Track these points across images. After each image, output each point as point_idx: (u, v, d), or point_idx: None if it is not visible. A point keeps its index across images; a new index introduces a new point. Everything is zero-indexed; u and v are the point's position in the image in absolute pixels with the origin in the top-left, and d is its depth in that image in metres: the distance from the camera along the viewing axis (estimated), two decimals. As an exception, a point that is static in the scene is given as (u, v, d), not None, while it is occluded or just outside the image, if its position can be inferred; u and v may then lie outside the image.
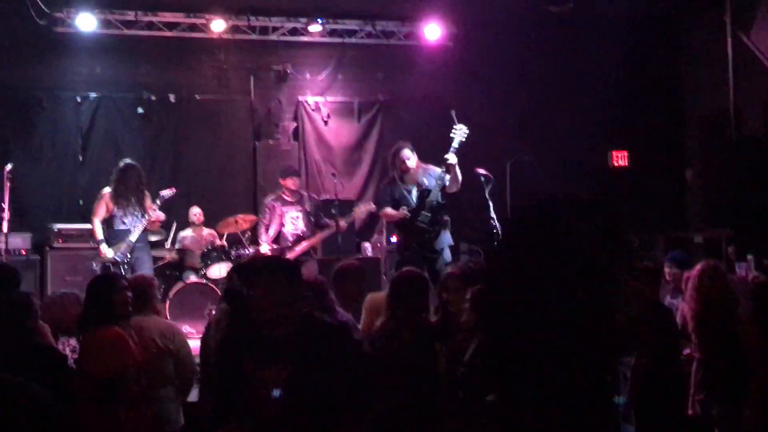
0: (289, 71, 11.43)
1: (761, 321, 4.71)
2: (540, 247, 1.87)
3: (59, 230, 9.64)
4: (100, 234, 8.30)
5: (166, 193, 8.65)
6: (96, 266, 8.28)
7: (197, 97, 11.08)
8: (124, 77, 10.85)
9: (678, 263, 6.28)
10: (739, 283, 7.60)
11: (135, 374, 4.40)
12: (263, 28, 11.05)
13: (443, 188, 7.63)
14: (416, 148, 7.90)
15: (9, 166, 8.63)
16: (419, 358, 4.62)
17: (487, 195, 8.29)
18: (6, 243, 8.66)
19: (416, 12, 11.12)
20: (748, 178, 9.87)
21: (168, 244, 9.69)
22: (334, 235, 8.74)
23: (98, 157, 10.56)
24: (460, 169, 7.66)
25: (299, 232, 8.85)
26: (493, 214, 8.28)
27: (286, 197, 8.95)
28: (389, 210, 7.79)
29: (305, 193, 9.25)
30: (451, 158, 7.52)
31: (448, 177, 7.61)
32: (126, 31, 10.55)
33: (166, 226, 9.39)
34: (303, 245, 8.77)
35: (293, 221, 8.91)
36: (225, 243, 9.74)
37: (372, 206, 8.56)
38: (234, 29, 10.93)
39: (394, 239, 9.40)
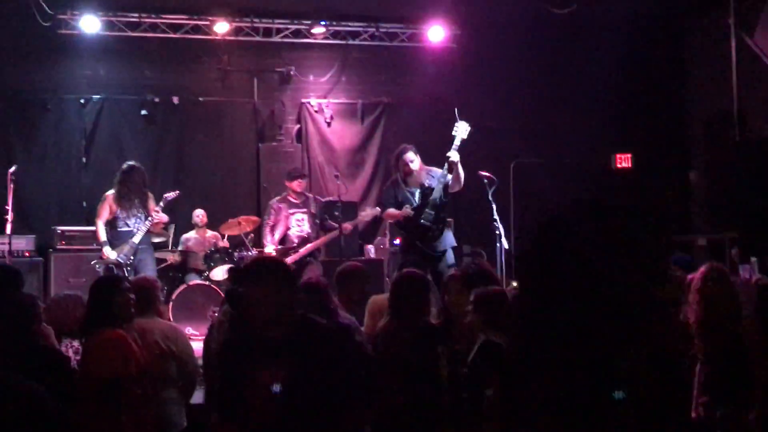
0: (292, 73, 11.44)
1: (765, 323, 4.70)
2: (576, 252, 1.88)
3: (63, 232, 9.67)
4: (103, 236, 8.30)
5: (170, 195, 8.66)
6: (99, 268, 8.28)
7: (201, 98, 11.09)
8: (128, 79, 10.86)
9: (681, 266, 6.26)
10: (743, 285, 7.56)
11: (137, 376, 4.40)
12: (267, 30, 11.05)
13: (446, 187, 7.61)
14: (420, 150, 7.89)
15: (13, 168, 8.64)
16: (420, 359, 4.62)
17: (490, 197, 8.29)
18: (10, 245, 8.66)
19: (420, 14, 11.12)
20: (752, 180, 9.86)
21: (169, 246, 9.71)
22: (338, 238, 8.73)
23: (102, 159, 10.58)
24: (464, 170, 7.64)
25: (304, 234, 8.85)
26: (496, 216, 8.28)
27: (292, 199, 8.95)
28: (392, 210, 7.79)
29: (311, 196, 9.25)
30: (453, 155, 7.50)
31: (450, 176, 7.60)
32: (130, 33, 10.57)
33: (168, 228, 9.40)
34: (307, 247, 8.77)
35: (298, 223, 8.90)
36: (228, 245, 9.74)
37: (378, 211, 8.56)
38: (237, 31, 10.94)
39: (397, 241, 9.40)
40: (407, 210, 7.61)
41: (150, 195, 8.54)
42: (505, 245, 8.45)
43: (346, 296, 5.34)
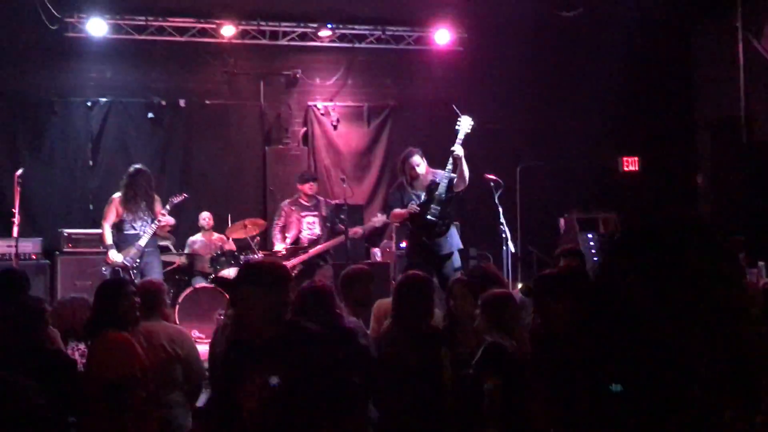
0: (299, 76, 11.45)
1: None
2: (658, 264, 1.91)
3: (69, 235, 9.69)
4: (109, 239, 8.31)
5: (176, 198, 8.67)
6: (106, 271, 8.29)
7: (207, 102, 11.11)
8: (135, 82, 10.88)
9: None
10: (750, 289, 7.54)
11: (142, 379, 4.40)
12: (273, 33, 11.06)
13: (450, 183, 7.58)
14: (426, 153, 7.87)
15: (20, 171, 8.65)
16: (422, 361, 4.61)
17: (496, 200, 8.28)
18: (16, 247, 8.68)
19: (426, 17, 11.12)
20: (759, 183, 9.83)
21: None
22: (345, 241, 8.73)
23: (108, 162, 10.60)
24: (470, 173, 7.61)
25: (315, 237, 8.88)
26: (502, 220, 8.26)
27: (303, 202, 8.97)
28: (398, 210, 7.77)
29: (322, 199, 9.25)
30: (458, 149, 7.47)
31: (454, 176, 7.57)
32: (137, 36, 10.59)
33: (175, 231, 9.41)
34: (316, 248, 8.78)
35: (309, 226, 8.93)
36: (234, 247, 9.75)
37: (386, 219, 8.53)
38: (244, 34, 10.95)
39: (403, 244, 9.39)
40: (413, 206, 7.60)
41: (156, 198, 8.54)
42: (512, 248, 8.44)
43: (351, 299, 5.32)
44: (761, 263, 8.44)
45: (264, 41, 11.08)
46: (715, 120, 11.49)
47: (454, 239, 7.74)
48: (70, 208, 10.51)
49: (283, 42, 11.16)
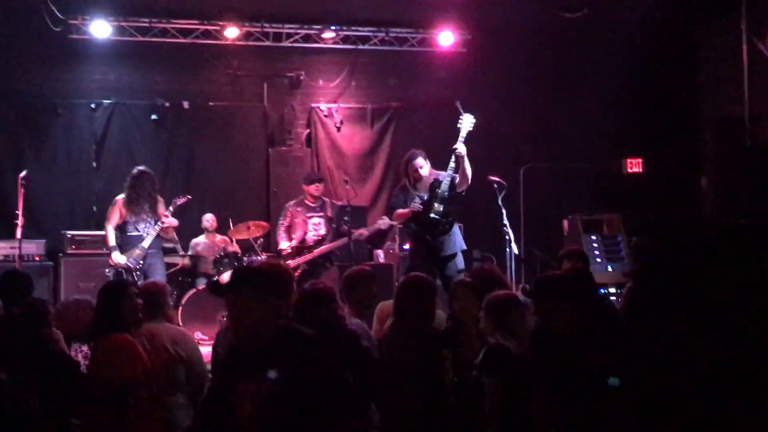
0: (302, 78, 11.46)
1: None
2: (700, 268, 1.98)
3: (73, 236, 9.71)
4: (112, 240, 8.31)
5: (180, 200, 8.67)
6: (109, 272, 8.30)
7: (211, 103, 11.12)
8: (138, 84, 10.90)
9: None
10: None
11: (145, 381, 4.40)
12: (277, 34, 11.06)
13: (453, 183, 7.57)
14: (429, 155, 7.87)
15: (23, 173, 8.66)
16: (423, 363, 4.60)
17: (500, 202, 8.27)
18: (20, 249, 8.68)
19: (430, 18, 11.12)
20: (764, 184, 9.80)
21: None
22: (348, 243, 8.73)
23: (112, 164, 10.62)
24: (473, 174, 7.60)
25: (320, 238, 8.89)
26: (506, 221, 8.25)
27: (309, 203, 8.97)
28: (401, 210, 7.77)
29: (327, 200, 9.25)
30: (460, 147, 7.47)
31: (456, 175, 7.57)
32: (140, 38, 10.59)
33: (178, 232, 9.41)
34: (320, 248, 8.78)
35: (315, 227, 8.93)
36: (238, 249, 9.75)
37: (391, 222, 8.53)
38: (247, 36, 10.96)
39: (406, 246, 9.38)
40: (416, 204, 7.59)
41: (160, 199, 8.54)
42: (515, 250, 8.43)
43: (354, 301, 5.32)
44: (765, 265, 8.40)
45: (267, 43, 11.09)
46: (719, 121, 11.45)
47: (457, 240, 7.73)
48: (74, 210, 10.53)
49: (287, 44, 11.16)
